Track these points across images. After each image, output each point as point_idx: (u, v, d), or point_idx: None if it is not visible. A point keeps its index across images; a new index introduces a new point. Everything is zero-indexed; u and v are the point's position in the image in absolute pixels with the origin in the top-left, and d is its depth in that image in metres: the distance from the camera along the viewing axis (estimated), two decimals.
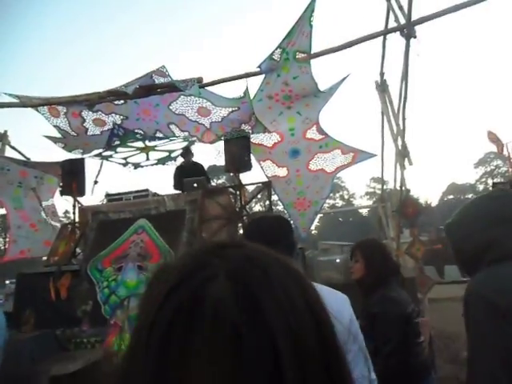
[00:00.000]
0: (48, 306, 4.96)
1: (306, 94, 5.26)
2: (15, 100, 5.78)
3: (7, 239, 8.48)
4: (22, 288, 5.62)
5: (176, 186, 7.06)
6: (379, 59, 6.42)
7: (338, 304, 1.56)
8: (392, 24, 5.10)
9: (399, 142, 6.02)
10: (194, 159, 7.23)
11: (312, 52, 4.74)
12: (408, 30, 4.61)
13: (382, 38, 5.58)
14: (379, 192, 11.40)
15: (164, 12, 71.35)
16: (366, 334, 2.64)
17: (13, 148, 7.54)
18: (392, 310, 2.51)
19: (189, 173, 6.58)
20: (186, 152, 6.88)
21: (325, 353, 0.43)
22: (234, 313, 0.39)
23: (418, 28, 4.53)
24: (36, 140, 7.12)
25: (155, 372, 0.38)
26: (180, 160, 6.97)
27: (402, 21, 4.72)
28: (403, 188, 6.23)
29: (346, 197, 48.32)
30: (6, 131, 7.44)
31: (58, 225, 7.24)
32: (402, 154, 5.97)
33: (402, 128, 5.92)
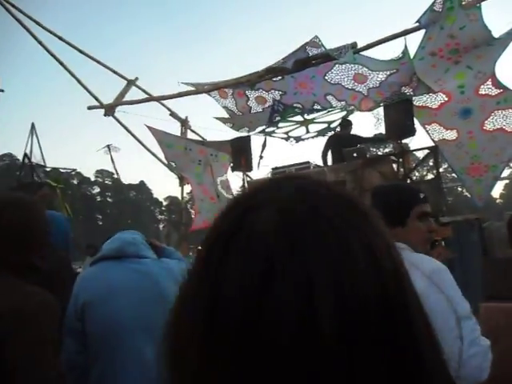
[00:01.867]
0: None
1: (476, 45, 4.61)
2: (191, 88, 6.55)
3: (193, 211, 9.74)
4: None
5: (325, 155, 7.01)
6: None
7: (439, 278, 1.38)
8: None
9: None
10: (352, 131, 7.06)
11: None
12: None
13: None
14: None
15: None
16: None
17: (192, 131, 8.60)
18: None
19: (344, 144, 6.49)
20: (347, 123, 6.79)
21: (390, 321, 0.37)
22: (268, 247, 0.38)
23: None
24: (210, 122, 7.99)
25: (196, 289, 0.40)
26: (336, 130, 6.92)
27: None
28: None
29: None
30: (186, 117, 8.50)
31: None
32: None
33: None
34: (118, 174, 8.94)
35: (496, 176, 5.79)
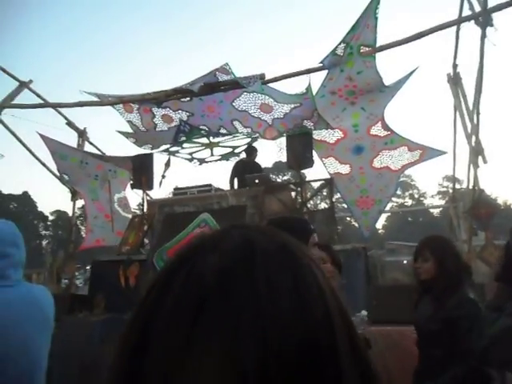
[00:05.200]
0: (118, 291, 5.27)
1: (370, 89, 5.11)
2: (94, 98, 6.19)
3: (85, 228, 9.09)
4: (96, 274, 6.05)
5: (232, 181, 7.14)
6: (452, 51, 6.06)
7: None
8: (466, 12, 4.81)
9: (473, 139, 5.67)
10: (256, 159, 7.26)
11: (377, 45, 4.59)
12: (484, 18, 4.32)
13: (455, 27, 5.26)
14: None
15: (222, 8, 72.43)
16: (437, 338, 2.31)
17: (91, 144, 8.10)
18: (476, 313, 2.29)
19: (248, 171, 6.65)
20: (252, 150, 6.97)
21: (316, 366, 0.38)
22: (203, 286, 0.39)
23: (494, 16, 4.22)
24: (111, 136, 7.63)
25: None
26: (242, 156, 7.06)
27: (478, 8, 4.43)
28: (476, 188, 5.85)
29: (416, 196, 46.20)
30: (85, 128, 7.99)
31: (130, 216, 7.67)
32: (476, 152, 5.61)
33: (476, 123, 5.55)
34: None
35: (380, 209, 6.37)
